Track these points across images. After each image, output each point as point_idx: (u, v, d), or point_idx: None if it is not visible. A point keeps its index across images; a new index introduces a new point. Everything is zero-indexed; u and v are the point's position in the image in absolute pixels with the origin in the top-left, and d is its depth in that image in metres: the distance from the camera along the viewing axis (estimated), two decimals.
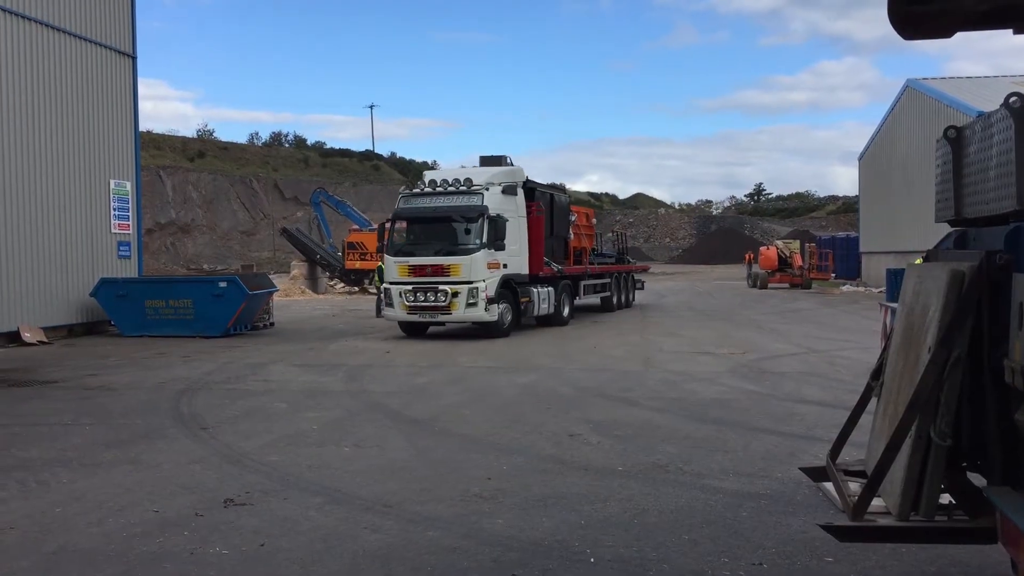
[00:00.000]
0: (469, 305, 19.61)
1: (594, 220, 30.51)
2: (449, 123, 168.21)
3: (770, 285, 43.09)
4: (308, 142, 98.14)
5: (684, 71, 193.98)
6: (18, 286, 20.19)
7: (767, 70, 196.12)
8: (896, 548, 5.88)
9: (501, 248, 19.94)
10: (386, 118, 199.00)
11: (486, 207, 19.93)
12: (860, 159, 47.03)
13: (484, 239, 19.78)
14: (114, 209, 23.91)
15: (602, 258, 30.32)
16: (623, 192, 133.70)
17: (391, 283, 20.42)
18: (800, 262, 44.17)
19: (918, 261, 5.30)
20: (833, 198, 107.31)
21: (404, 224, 20.75)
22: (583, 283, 25.84)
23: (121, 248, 24.23)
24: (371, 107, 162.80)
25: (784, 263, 44.41)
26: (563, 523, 6.61)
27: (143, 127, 25.83)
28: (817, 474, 5.51)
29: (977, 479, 4.23)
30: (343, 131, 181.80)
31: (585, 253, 27.53)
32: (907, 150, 38.22)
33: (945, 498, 4.17)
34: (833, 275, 46.86)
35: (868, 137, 46.19)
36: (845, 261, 48.33)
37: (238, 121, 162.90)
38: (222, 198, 79.00)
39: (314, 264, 45.06)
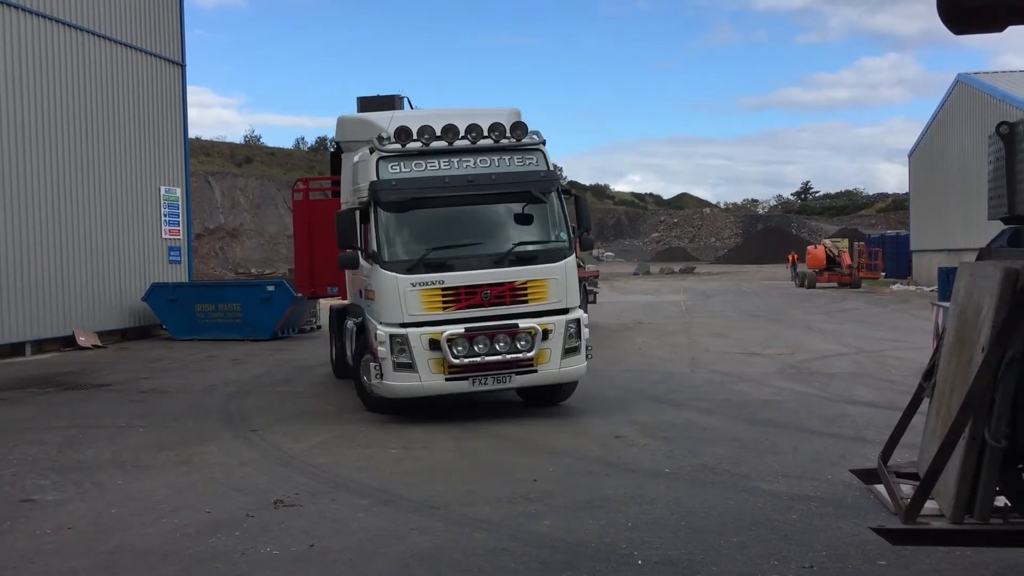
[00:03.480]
0: (568, 353, 10.77)
1: None
2: None
3: (818, 285, 42.52)
4: None
5: (723, 70, 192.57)
6: (73, 292, 20.62)
7: (808, 68, 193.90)
8: (950, 551, 5.78)
9: (589, 245, 11.68)
10: None
11: (555, 173, 11.51)
12: (910, 155, 46.25)
13: (567, 231, 11.27)
14: (164, 215, 24.32)
15: None
16: (667, 192, 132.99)
17: (406, 325, 10.41)
18: (849, 261, 43.53)
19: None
20: (882, 195, 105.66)
21: (395, 212, 10.76)
22: None
23: (172, 253, 24.64)
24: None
25: (832, 262, 43.81)
26: (610, 525, 6.59)
27: (191, 134, 26.23)
28: (868, 476, 5.44)
29: None
30: None
31: None
32: (959, 146, 37.52)
33: (1000, 500, 4.09)
34: (883, 274, 46.11)
35: (914, 133, 45.60)
36: (895, 260, 47.53)
37: (280, 126, 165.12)
38: (269, 203, 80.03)
39: None
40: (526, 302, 10.63)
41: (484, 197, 10.96)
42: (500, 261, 10.68)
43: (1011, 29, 4.29)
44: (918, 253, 43.82)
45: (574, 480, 7.94)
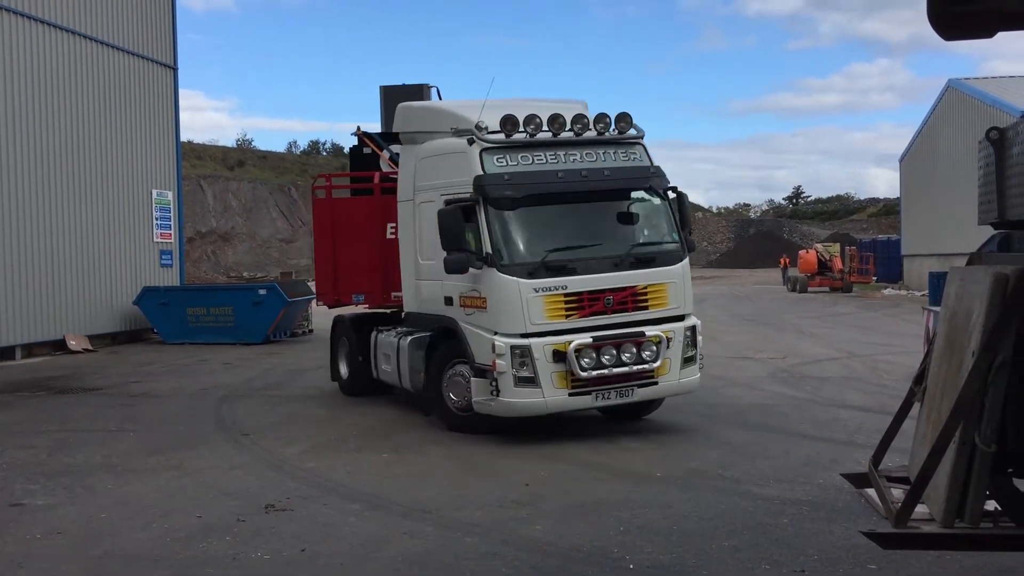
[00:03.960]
0: (685, 362, 10.07)
1: None
2: None
3: (810, 289, 42.62)
4: (345, 150, 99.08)
5: (715, 75, 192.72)
6: (64, 295, 20.55)
7: (798, 73, 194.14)
8: (941, 555, 5.79)
9: (693, 247, 10.59)
10: None
11: (661, 169, 10.49)
12: (901, 160, 46.41)
13: (678, 231, 10.38)
14: (156, 219, 24.26)
15: None
16: None
17: (527, 335, 9.41)
18: (840, 265, 43.66)
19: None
20: (873, 200, 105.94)
21: (509, 210, 9.74)
22: None
23: (163, 257, 24.58)
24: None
25: (824, 266, 43.93)
26: (602, 529, 6.59)
27: (183, 137, 26.17)
28: (859, 480, 5.45)
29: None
30: None
31: None
32: (950, 151, 37.66)
33: (990, 504, 4.11)
34: (874, 278, 46.24)
35: (904, 138, 45.85)
36: (886, 264, 47.65)
37: (272, 130, 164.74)
38: (261, 206, 79.89)
39: None
40: (647, 308, 9.79)
41: (599, 194, 10.09)
42: (620, 264, 9.77)
43: (1000, 35, 4.31)
44: (909, 257, 43.96)
45: (566, 484, 7.93)
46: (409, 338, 11.11)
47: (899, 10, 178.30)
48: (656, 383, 9.81)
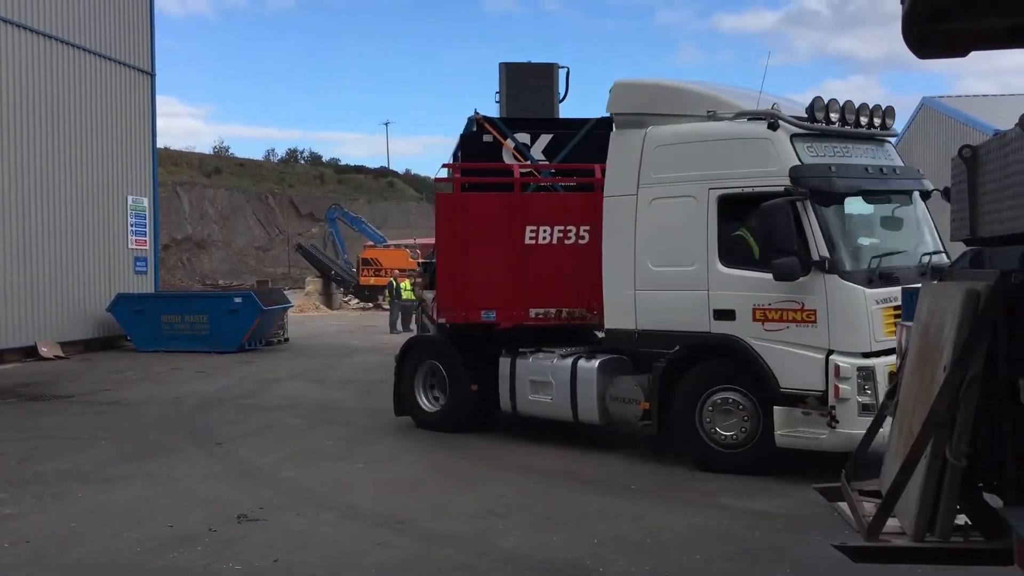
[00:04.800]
0: None
1: None
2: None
3: None
4: (324, 159, 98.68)
5: None
6: (36, 301, 20.31)
7: (773, 89, 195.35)
8: (912, 569, 5.82)
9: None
10: (396, 136, 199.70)
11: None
12: None
13: (941, 241, 9.33)
14: (131, 225, 24.07)
15: None
16: None
17: (868, 355, 8.10)
18: None
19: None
20: None
21: (836, 208, 8.58)
22: None
23: (138, 264, 24.38)
24: (386, 124, 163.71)
25: None
26: (576, 541, 6.59)
27: (159, 144, 26.00)
28: (832, 494, 5.47)
29: (994, 499, 4.21)
30: (354, 149, 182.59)
31: None
32: (924, 168, 37.91)
33: (961, 519, 4.14)
34: None
35: None
36: None
37: (249, 137, 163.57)
38: (238, 214, 79.46)
39: (329, 280, 45.20)
40: None
41: (902, 195, 9.15)
42: (924, 273, 8.34)
43: (974, 54, 4.37)
44: None
45: (541, 496, 7.93)
46: (596, 360, 9.62)
47: (872, 28, 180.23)
48: None
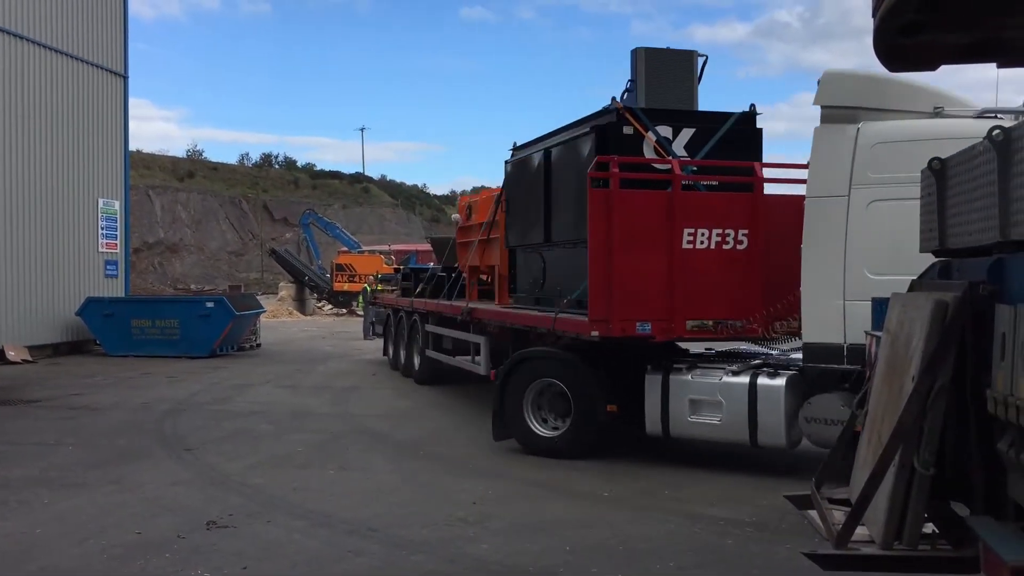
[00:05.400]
0: None
1: None
2: (434, 146, 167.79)
3: None
4: (299, 163, 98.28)
5: None
6: (3, 304, 20.06)
7: (746, 101, 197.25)
8: None
9: None
10: (371, 141, 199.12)
11: None
12: None
13: None
14: (102, 228, 23.84)
15: None
16: None
17: None
18: None
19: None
20: None
21: None
22: None
23: (108, 267, 24.14)
24: (362, 129, 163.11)
25: None
26: (548, 548, 6.58)
27: (131, 146, 25.79)
28: (802, 502, 5.51)
29: (961, 508, 4.25)
30: (329, 154, 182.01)
31: None
32: None
33: (929, 527, 4.18)
34: None
35: None
36: None
37: (222, 141, 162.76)
38: (211, 218, 78.94)
39: (302, 285, 45.02)
40: None
41: None
42: None
43: (943, 68, 4.43)
44: None
45: (513, 503, 7.92)
46: (781, 378, 8.71)
47: (841, 41, 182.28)
48: None
